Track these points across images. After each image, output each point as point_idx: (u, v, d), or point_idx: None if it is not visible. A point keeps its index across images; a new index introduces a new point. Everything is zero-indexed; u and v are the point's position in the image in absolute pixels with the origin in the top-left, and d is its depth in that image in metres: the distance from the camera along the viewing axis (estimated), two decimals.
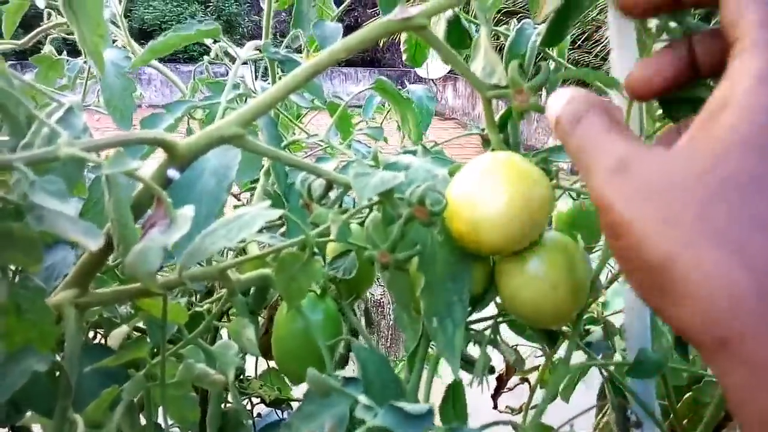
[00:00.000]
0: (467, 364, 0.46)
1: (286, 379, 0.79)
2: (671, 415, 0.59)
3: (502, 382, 0.63)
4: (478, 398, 0.56)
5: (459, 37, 0.54)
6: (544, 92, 0.43)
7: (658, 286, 0.22)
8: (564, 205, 0.65)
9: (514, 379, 0.74)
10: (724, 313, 0.20)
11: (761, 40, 0.22)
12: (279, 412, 0.82)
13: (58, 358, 0.36)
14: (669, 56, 0.29)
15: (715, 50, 0.27)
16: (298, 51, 0.70)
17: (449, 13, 0.51)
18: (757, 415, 0.20)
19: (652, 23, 0.41)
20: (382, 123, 0.93)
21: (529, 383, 0.73)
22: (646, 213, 0.22)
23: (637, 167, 0.23)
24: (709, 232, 0.20)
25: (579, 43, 6.09)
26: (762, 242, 0.19)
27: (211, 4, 11.06)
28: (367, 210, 0.43)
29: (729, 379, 0.20)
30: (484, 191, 0.34)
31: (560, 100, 0.28)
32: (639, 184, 0.22)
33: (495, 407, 0.64)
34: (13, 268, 0.33)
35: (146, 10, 10.41)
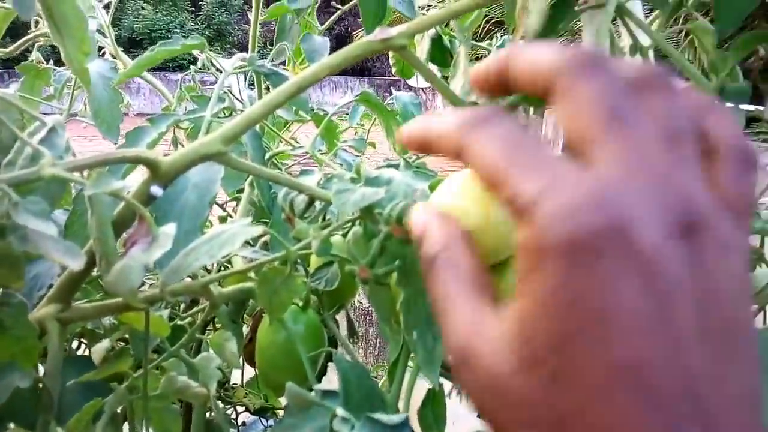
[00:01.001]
0: (448, 371, 0.47)
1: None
2: None
3: None
4: (459, 406, 0.57)
5: (442, 54, 0.55)
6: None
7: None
8: None
9: None
10: None
11: (524, 199, 0.21)
12: (264, 420, 0.82)
13: (41, 370, 0.36)
14: None
15: None
16: (285, 63, 0.70)
17: (432, 31, 0.52)
18: None
19: (624, 43, 0.42)
20: (370, 129, 0.93)
21: None
22: (485, 409, 0.23)
23: (473, 361, 0.22)
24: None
25: None
26: None
27: (201, 13, 11.06)
28: (350, 224, 0.43)
29: None
30: (462, 205, 0.35)
31: (419, 223, 0.28)
32: (475, 380, 0.22)
33: (479, 415, 0.65)
34: None
35: (136, 19, 10.40)
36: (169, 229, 0.29)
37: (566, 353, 0.19)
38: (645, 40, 0.39)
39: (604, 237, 0.19)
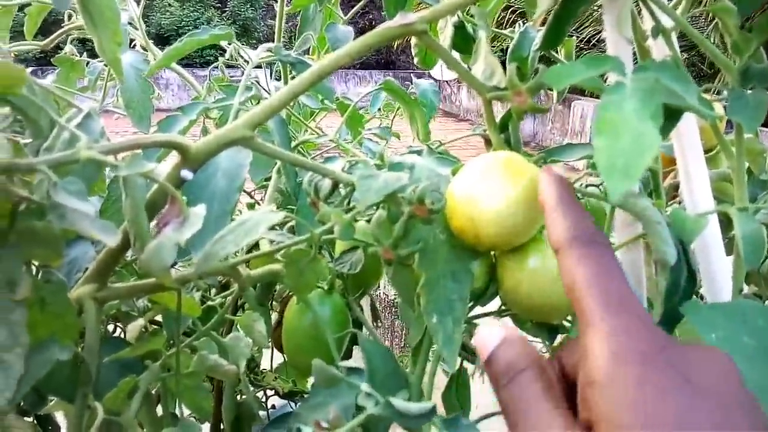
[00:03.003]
0: (471, 354, 0.47)
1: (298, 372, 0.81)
2: None
3: None
4: (480, 393, 0.58)
5: (464, 41, 0.55)
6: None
7: None
8: None
9: None
10: None
11: (603, 316, 0.25)
12: (293, 404, 0.84)
13: (78, 349, 0.38)
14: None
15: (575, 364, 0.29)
16: (308, 53, 0.71)
17: (455, 18, 0.53)
18: None
19: (647, 26, 0.42)
20: (393, 120, 0.94)
21: None
22: None
23: None
24: None
25: (594, 42, 6.06)
26: None
27: (227, 9, 11.15)
28: (375, 207, 0.44)
29: None
30: (484, 188, 0.36)
31: (492, 338, 0.29)
32: None
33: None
34: (35, 263, 0.35)
35: (163, 16, 10.52)
36: (200, 209, 0.30)
37: None
38: (668, 23, 0.39)
39: (669, 349, 0.24)
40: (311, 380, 0.74)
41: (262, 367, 0.84)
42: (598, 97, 0.31)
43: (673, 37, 0.40)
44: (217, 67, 0.83)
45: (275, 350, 0.79)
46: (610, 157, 0.26)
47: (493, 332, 0.30)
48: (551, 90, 0.50)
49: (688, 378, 0.23)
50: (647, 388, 0.23)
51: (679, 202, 0.56)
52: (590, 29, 6.18)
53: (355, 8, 0.84)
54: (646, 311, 0.26)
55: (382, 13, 0.56)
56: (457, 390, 0.50)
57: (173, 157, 0.37)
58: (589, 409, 0.25)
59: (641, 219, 0.37)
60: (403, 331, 1.94)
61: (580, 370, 0.26)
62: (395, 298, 1.91)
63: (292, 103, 0.57)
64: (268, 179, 0.72)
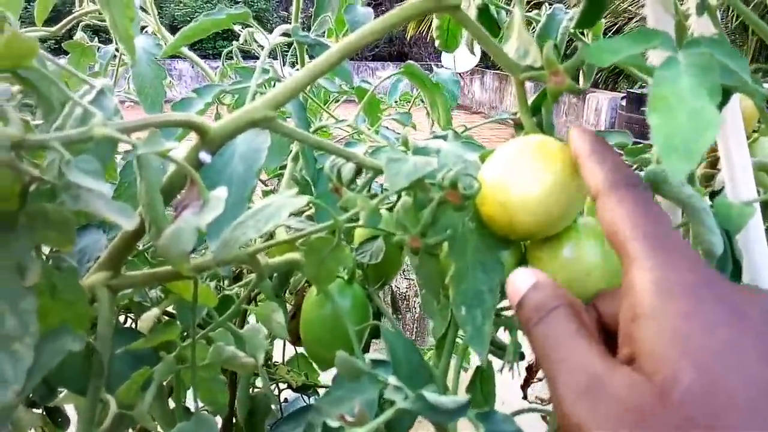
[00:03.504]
0: (498, 349, 0.46)
1: (314, 365, 0.79)
2: None
3: (531, 372, 0.62)
4: (507, 389, 0.56)
5: (488, 24, 0.53)
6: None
7: None
8: None
9: None
10: None
11: (648, 253, 0.25)
12: (306, 397, 0.82)
13: (90, 339, 0.36)
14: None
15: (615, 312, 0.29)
16: (325, 35, 0.69)
17: (479, 0, 0.51)
18: None
19: (690, 5, 0.39)
20: (410, 110, 0.92)
21: None
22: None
23: (604, 393, 0.24)
24: None
25: (610, 34, 6.00)
26: None
27: (240, 0, 11.18)
28: (396, 195, 0.42)
29: None
30: (519, 174, 0.34)
31: (524, 282, 0.30)
32: (608, 411, 0.24)
33: (525, 398, 0.63)
34: (45, 249, 0.33)
35: (176, 7, 10.55)
36: (221, 192, 0.28)
37: (717, 373, 0.22)
38: None
39: (718, 283, 0.24)
40: (324, 374, 0.72)
41: (274, 360, 0.83)
42: (613, 90, 0.29)
43: (717, 14, 0.38)
44: (231, 54, 0.81)
45: (287, 343, 0.78)
46: (668, 137, 0.24)
47: (525, 276, 0.30)
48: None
49: (735, 313, 0.23)
50: (694, 321, 0.23)
51: (711, 193, 0.54)
52: (607, 21, 6.13)
53: None
54: (686, 242, 0.25)
55: (395, 4, 0.54)
56: (482, 385, 0.48)
57: (186, 143, 0.36)
58: (632, 343, 0.24)
59: (686, 207, 0.35)
60: (414, 325, 1.92)
61: (622, 310, 0.26)
62: (407, 291, 1.89)
63: (309, 87, 0.55)
64: (282, 168, 0.70)
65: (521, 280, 0.30)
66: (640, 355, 0.24)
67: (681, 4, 0.42)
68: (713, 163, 0.53)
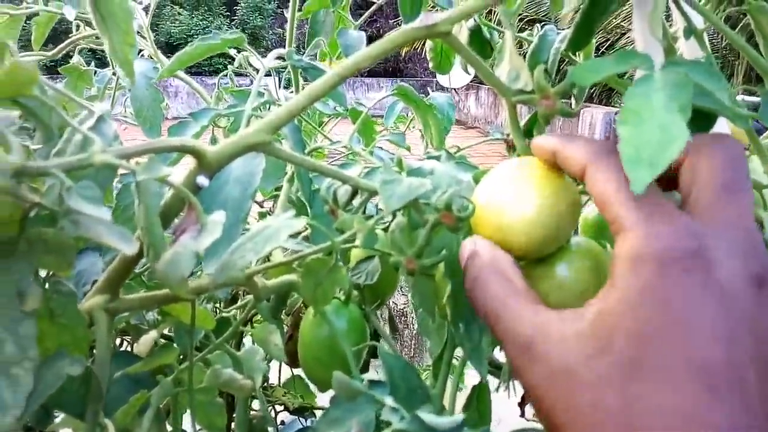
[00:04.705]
0: (494, 368, 0.46)
1: (311, 387, 0.79)
2: None
3: None
4: (504, 407, 0.56)
5: (480, 46, 0.54)
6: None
7: None
8: (590, 210, 0.65)
9: None
10: None
11: (630, 219, 0.25)
12: (302, 419, 0.82)
13: (88, 363, 0.36)
14: None
15: None
16: (316, 57, 0.70)
17: (471, 22, 0.51)
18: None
19: (679, 28, 0.40)
20: (404, 132, 0.93)
21: None
22: (550, 395, 0.25)
23: (541, 349, 0.26)
24: (601, 419, 0.23)
25: (602, 50, 6.07)
26: (650, 422, 0.22)
27: (236, 17, 11.27)
28: (391, 216, 0.43)
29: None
30: (512, 196, 0.34)
31: (465, 252, 0.32)
32: (543, 367, 0.25)
33: (522, 415, 0.63)
34: (43, 273, 0.34)
35: (172, 24, 10.63)
36: (218, 216, 0.29)
37: (645, 345, 0.23)
38: (700, 23, 0.37)
39: (693, 259, 0.24)
40: (320, 396, 0.72)
41: (270, 382, 0.82)
42: (607, 105, 0.30)
43: (705, 38, 0.39)
44: (226, 76, 0.82)
45: (283, 364, 0.77)
46: (638, 148, 0.25)
47: (467, 247, 0.32)
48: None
49: (693, 292, 0.24)
50: (647, 296, 0.24)
51: None
52: (600, 37, 6.20)
53: (366, 14, 0.83)
54: (678, 211, 0.26)
55: (390, 21, 0.55)
56: (479, 403, 0.48)
57: (183, 166, 0.36)
58: (603, 319, 0.25)
59: None
60: (413, 341, 1.92)
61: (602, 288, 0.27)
62: (404, 307, 1.89)
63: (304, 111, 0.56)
64: (277, 189, 0.70)
65: (463, 251, 0.31)
66: (598, 321, 0.25)
67: (670, 27, 0.43)
68: None
